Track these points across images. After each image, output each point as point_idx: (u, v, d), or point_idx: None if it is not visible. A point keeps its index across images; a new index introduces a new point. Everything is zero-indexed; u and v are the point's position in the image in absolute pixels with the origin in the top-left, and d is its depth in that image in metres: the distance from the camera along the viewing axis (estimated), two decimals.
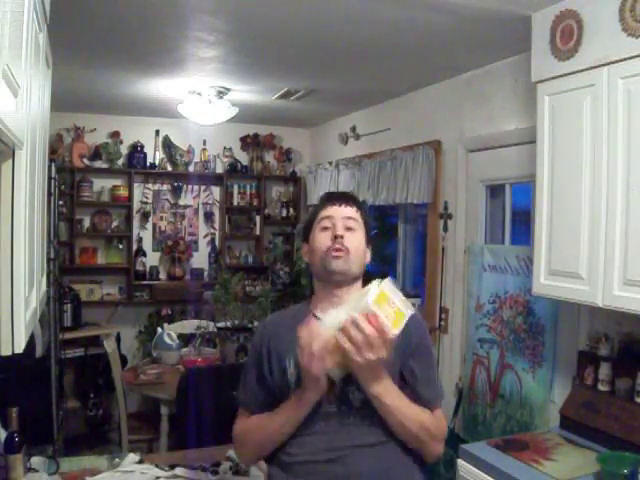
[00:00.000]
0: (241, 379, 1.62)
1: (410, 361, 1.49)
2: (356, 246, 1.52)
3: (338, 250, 1.49)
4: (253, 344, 1.65)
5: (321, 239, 1.53)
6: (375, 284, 1.32)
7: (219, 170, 5.35)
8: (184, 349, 4.18)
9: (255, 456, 1.61)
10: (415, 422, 1.41)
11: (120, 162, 5.02)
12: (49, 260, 2.82)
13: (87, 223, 4.94)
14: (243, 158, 5.44)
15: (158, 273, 5.15)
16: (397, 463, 1.45)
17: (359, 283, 1.57)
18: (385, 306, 1.29)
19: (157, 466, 2.03)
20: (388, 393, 1.38)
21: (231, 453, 2.17)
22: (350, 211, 1.56)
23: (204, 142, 5.24)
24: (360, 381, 1.36)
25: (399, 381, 1.46)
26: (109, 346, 3.90)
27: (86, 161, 4.87)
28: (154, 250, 5.18)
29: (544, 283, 2.37)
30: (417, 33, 2.75)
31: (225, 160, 5.38)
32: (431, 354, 1.58)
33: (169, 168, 5.18)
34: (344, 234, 1.51)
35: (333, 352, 1.31)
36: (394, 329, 1.29)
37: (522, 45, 2.57)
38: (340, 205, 1.56)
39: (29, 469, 1.87)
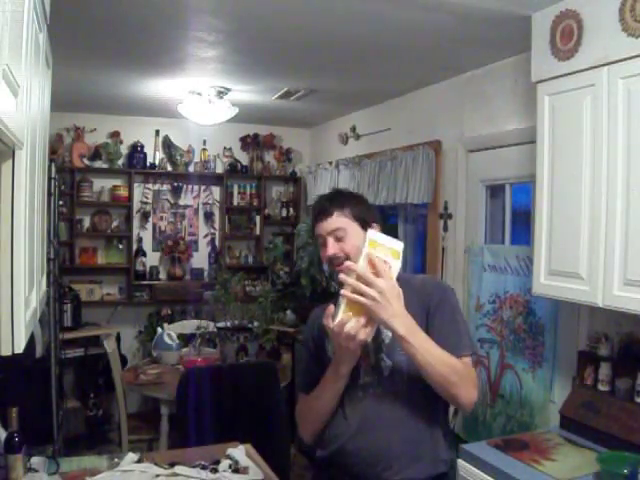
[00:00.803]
0: (297, 369, 1.78)
1: (433, 319, 1.55)
2: (353, 247, 1.55)
3: (338, 265, 1.55)
4: (304, 334, 1.86)
5: (322, 254, 1.63)
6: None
7: (219, 170, 5.35)
8: (184, 349, 4.18)
9: (316, 428, 1.69)
10: (443, 363, 1.44)
11: (120, 162, 5.02)
12: (49, 260, 2.82)
13: (87, 223, 4.94)
14: (243, 158, 5.45)
15: (158, 273, 5.15)
16: (422, 437, 1.55)
17: None
18: (378, 249, 1.40)
19: (156, 464, 2.03)
20: (412, 333, 1.41)
21: (231, 451, 2.17)
22: (334, 222, 1.59)
23: (204, 142, 5.24)
24: (384, 325, 1.42)
25: None
26: (109, 346, 3.90)
27: (86, 161, 4.87)
28: (154, 250, 5.19)
29: (544, 283, 2.37)
30: (417, 33, 2.75)
31: (225, 160, 5.38)
32: (455, 310, 1.61)
33: (169, 168, 5.18)
34: (336, 250, 1.57)
35: (354, 314, 1.39)
36: (395, 260, 1.40)
37: (522, 45, 2.57)
38: (322, 220, 1.61)
39: (29, 469, 1.87)
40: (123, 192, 4.97)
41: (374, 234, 1.43)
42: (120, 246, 5.06)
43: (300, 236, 4.71)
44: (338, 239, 1.58)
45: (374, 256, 1.38)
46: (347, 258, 1.55)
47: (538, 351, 2.83)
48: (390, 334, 1.54)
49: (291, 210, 5.53)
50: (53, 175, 3.07)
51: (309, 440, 1.78)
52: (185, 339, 4.44)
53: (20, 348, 1.24)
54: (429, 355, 1.43)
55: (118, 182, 5.01)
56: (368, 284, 1.35)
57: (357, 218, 1.62)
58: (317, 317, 1.71)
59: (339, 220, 1.60)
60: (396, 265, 1.41)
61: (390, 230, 4.56)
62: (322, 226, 1.61)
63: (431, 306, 1.57)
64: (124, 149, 5.04)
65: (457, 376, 1.46)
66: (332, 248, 1.57)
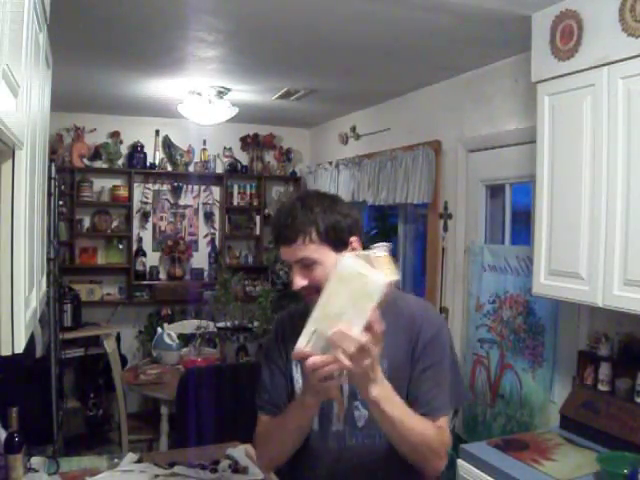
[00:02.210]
0: (257, 383, 1.53)
1: (417, 363, 1.36)
2: (325, 277, 1.23)
3: (310, 295, 1.31)
4: (268, 343, 1.57)
5: (291, 278, 1.37)
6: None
7: (219, 170, 5.35)
8: (184, 349, 4.18)
9: (276, 459, 1.49)
10: (416, 435, 1.25)
11: (120, 162, 5.02)
12: (49, 260, 2.82)
13: (87, 223, 4.94)
14: (243, 158, 5.44)
15: (158, 273, 5.15)
16: None
17: None
18: (355, 281, 1.07)
19: (156, 464, 2.03)
20: (387, 399, 1.19)
21: (230, 451, 2.17)
22: (298, 250, 1.31)
23: (204, 142, 5.24)
24: (357, 387, 1.21)
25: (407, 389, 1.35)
26: (109, 346, 3.90)
27: (86, 161, 4.87)
28: (154, 250, 5.18)
29: (544, 283, 2.37)
30: (417, 33, 2.75)
31: (225, 160, 5.38)
32: (444, 354, 1.39)
33: (169, 168, 5.18)
34: (304, 283, 1.32)
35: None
36: (386, 277, 1.08)
37: (522, 45, 2.57)
38: (287, 245, 1.33)
39: (29, 469, 1.87)
40: (123, 192, 4.97)
41: (345, 266, 1.09)
42: (120, 246, 5.06)
43: None
44: (306, 266, 1.32)
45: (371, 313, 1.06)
46: (317, 289, 1.21)
47: (538, 351, 2.83)
48: None
49: None
50: (53, 175, 3.07)
51: (266, 469, 1.61)
52: (185, 339, 4.43)
53: (20, 348, 1.24)
54: (401, 426, 1.22)
55: (118, 182, 5.00)
56: (363, 353, 1.07)
57: (328, 240, 1.32)
58: (284, 326, 1.51)
59: (305, 249, 1.31)
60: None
61: (390, 230, 4.56)
62: (286, 253, 1.33)
63: (419, 345, 1.36)
64: (124, 149, 5.04)
65: (429, 450, 1.28)
66: (299, 280, 1.32)
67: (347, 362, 1.06)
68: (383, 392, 1.18)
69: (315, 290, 1.29)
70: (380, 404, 1.18)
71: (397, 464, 1.33)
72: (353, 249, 1.35)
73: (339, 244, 1.34)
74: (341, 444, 1.38)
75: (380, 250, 1.17)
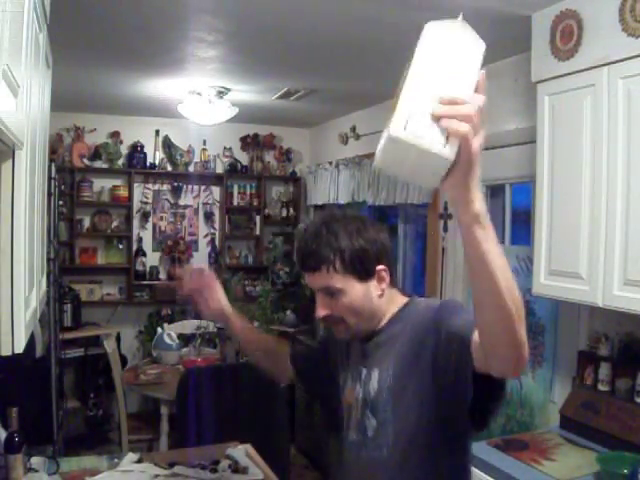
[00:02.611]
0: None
1: (441, 340, 1.19)
2: (348, 309, 1.29)
3: (333, 325, 1.34)
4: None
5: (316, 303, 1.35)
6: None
7: (219, 170, 5.34)
8: (184, 349, 4.18)
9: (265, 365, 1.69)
10: (507, 286, 0.92)
11: (120, 162, 5.02)
12: (49, 260, 2.82)
13: (87, 223, 4.94)
14: (243, 158, 5.44)
15: (158, 273, 5.15)
16: None
17: (391, 303, 1.36)
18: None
19: (156, 464, 2.03)
20: (485, 225, 0.91)
21: (230, 451, 2.17)
22: (322, 279, 1.28)
23: (204, 142, 5.24)
24: (456, 191, 0.91)
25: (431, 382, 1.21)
26: (109, 346, 3.90)
27: (86, 161, 4.87)
28: (154, 250, 5.18)
29: (544, 283, 2.37)
30: (417, 33, 2.73)
31: (225, 160, 5.38)
32: (460, 309, 1.24)
33: (169, 168, 5.17)
34: (327, 312, 1.30)
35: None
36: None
37: (522, 45, 2.57)
38: (310, 274, 1.31)
39: (29, 469, 1.87)
40: (123, 192, 4.97)
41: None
42: (120, 246, 5.05)
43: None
44: (329, 295, 1.30)
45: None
46: (342, 320, 1.30)
47: (538, 351, 2.83)
48: (375, 386, 1.31)
49: (291, 210, 5.53)
50: (53, 175, 3.07)
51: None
52: (185, 339, 4.43)
53: (20, 348, 1.23)
54: (500, 259, 0.92)
55: (118, 182, 5.00)
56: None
57: (353, 269, 1.28)
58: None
59: (330, 277, 1.28)
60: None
61: (390, 230, 4.56)
62: (311, 280, 1.32)
63: (426, 335, 1.24)
64: (124, 149, 5.04)
65: (517, 313, 0.94)
66: (322, 309, 1.30)
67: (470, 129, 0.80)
68: (483, 208, 0.91)
69: (338, 320, 1.31)
70: (481, 220, 0.90)
71: (408, 471, 1.27)
72: (380, 279, 1.32)
73: (365, 274, 1.29)
74: (354, 454, 1.37)
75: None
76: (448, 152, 0.80)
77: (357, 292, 1.29)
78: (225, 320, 1.59)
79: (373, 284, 1.31)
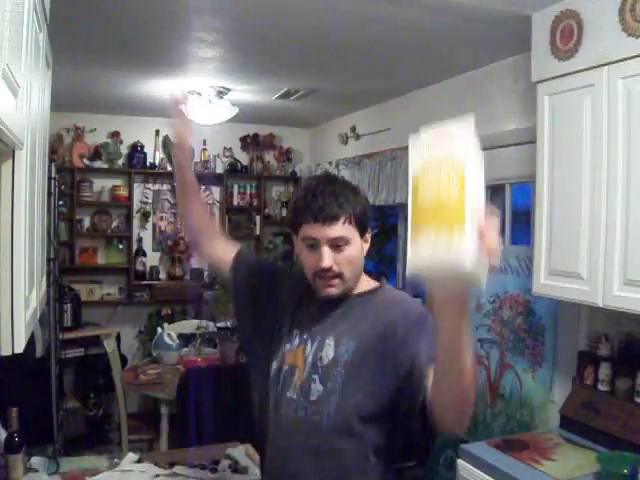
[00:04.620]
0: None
1: (403, 351, 1.27)
2: (349, 261, 1.34)
3: (329, 279, 1.34)
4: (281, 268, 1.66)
5: (308, 259, 1.36)
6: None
7: (219, 170, 5.34)
8: (184, 349, 4.18)
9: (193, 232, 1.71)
10: (472, 372, 1.08)
11: (120, 162, 5.02)
12: (49, 260, 2.82)
13: (87, 223, 4.94)
14: (243, 158, 5.44)
15: (158, 273, 5.15)
16: (343, 475, 1.33)
17: (361, 278, 1.43)
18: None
19: (156, 464, 2.03)
20: (467, 321, 1.05)
21: (230, 451, 2.18)
22: (339, 229, 1.31)
23: (204, 142, 5.24)
24: (451, 301, 1.00)
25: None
26: (109, 346, 3.90)
27: (86, 161, 4.87)
28: (154, 250, 5.18)
29: (544, 283, 2.37)
30: (417, 33, 2.75)
31: (225, 160, 5.38)
32: (429, 335, 1.25)
33: (169, 168, 5.17)
34: (332, 262, 1.32)
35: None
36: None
37: (522, 45, 2.57)
38: (324, 224, 1.30)
39: (29, 469, 1.87)
40: (123, 192, 4.97)
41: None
42: (120, 246, 5.05)
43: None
44: (336, 248, 1.32)
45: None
46: (340, 275, 1.33)
47: (538, 351, 2.83)
48: (330, 355, 1.34)
49: None
50: (53, 175, 3.07)
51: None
52: (185, 339, 4.43)
53: (20, 348, 1.23)
54: (465, 361, 1.06)
55: (118, 182, 5.00)
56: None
57: (359, 224, 1.35)
58: (298, 281, 1.48)
59: (345, 228, 1.31)
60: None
61: (390, 230, 4.56)
62: (322, 231, 1.30)
63: (399, 333, 1.31)
64: (124, 149, 5.04)
65: (473, 393, 1.15)
66: (329, 260, 1.31)
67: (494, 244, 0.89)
68: (466, 315, 1.04)
69: (336, 275, 1.33)
70: (465, 327, 1.03)
71: (340, 446, 1.32)
72: (366, 240, 1.39)
73: (364, 230, 1.37)
74: (291, 413, 1.36)
75: (466, 121, 0.97)
76: (485, 280, 0.89)
77: (357, 246, 1.36)
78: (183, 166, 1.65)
79: (363, 243, 1.39)
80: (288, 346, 1.42)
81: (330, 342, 1.36)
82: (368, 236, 1.40)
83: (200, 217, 1.69)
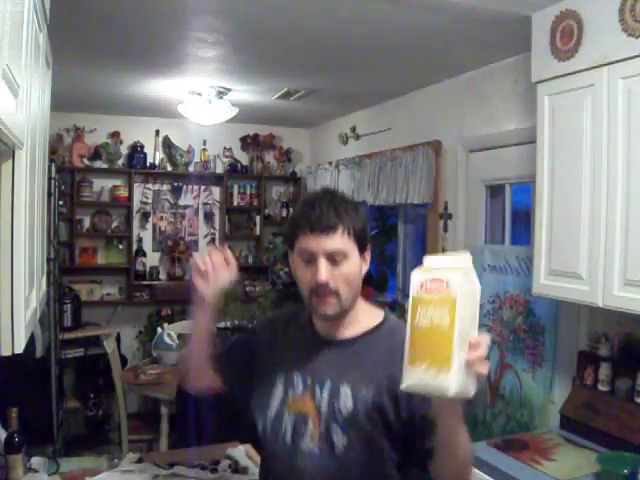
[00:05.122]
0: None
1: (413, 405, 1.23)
2: (346, 279, 1.27)
3: (325, 296, 1.27)
4: (257, 328, 1.58)
5: (304, 275, 1.29)
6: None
7: (219, 170, 5.34)
8: (184, 349, 4.17)
9: (188, 376, 1.53)
10: (469, 457, 1.20)
11: (120, 162, 5.02)
12: (49, 260, 2.82)
13: (87, 223, 4.94)
14: (243, 158, 5.44)
15: (158, 273, 5.15)
16: None
17: (363, 307, 1.38)
18: (468, 296, 1.03)
19: (156, 464, 2.03)
20: (462, 422, 1.14)
21: (230, 451, 2.18)
22: (337, 241, 1.25)
23: (204, 142, 5.24)
24: (444, 411, 1.09)
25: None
26: (109, 346, 3.90)
27: (86, 161, 4.87)
28: (154, 250, 5.18)
29: (544, 283, 2.37)
30: (417, 33, 2.75)
31: (225, 160, 5.38)
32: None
33: (169, 168, 5.17)
34: (329, 277, 1.25)
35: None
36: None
37: (522, 45, 2.57)
38: (322, 234, 1.24)
39: (29, 469, 1.87)
40: (123, 192, 4.97)
41: (463, 288, 1.02)
42: (120, 246, 5.05)
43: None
44: (334, 262, 1.26)
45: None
46: (336, 293, 1.26)
47: (538, 351, 2.83)
48: (349, 405, 1.27)
49: (291, 210, 5.53)
50: (53, 175, 3.07)
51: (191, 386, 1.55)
52: (185, 339, 4.43)
53: (20, 348, 1.24)
54: (464, 448, 1.16)
55: (118, 182, 5.00)
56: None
57: (358, 240, 1.29)
58: (268, 331, 1.48)
59: (343, 240, 1.26)
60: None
61: (390, 230, 4.56)
62: (319, 242, 1.24)
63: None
64: (124, 149, 5.04)
65: (469, 466, 1.23)
66: (326, 274, 1.24)
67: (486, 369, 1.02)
68: (460, 416, 1.12)
69: (332, 292, 1.26)
70: (460, 426, 1.14)
71: None
72: (365, 259, 1.34)
73: (363, 247, 1.32)
74: (315, 464, 1.29)
75: (464, 258, 1.06)
76: (474, 390, 1.02)
77: (356, 262, 1.30)
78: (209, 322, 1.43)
79: (362, 262, 1.33)
80: (290, 392, 1.35)
81: (347, 391, 1.29)
82: (367, 256, 1.34)
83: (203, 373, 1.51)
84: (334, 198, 1.31)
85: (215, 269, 1.34)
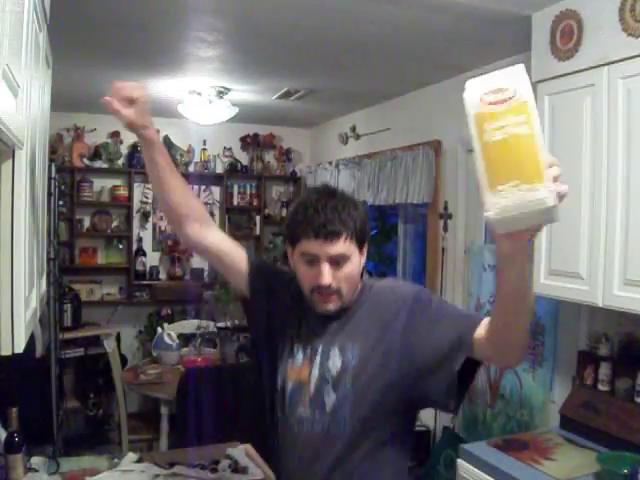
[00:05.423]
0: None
1: (412, 336, 1.28)
2: (348, 278, 1.32)
3: (327, 295, 1.31)
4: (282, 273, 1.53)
5: (306, 274, 1.33)
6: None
7: (219, 170, 5.35)
8: (184, 349, 4.18)
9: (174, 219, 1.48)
10: (533, 299, 1.21)
11: (120, 162, 5.02)
12: (49, 260, 2.81)
13: (87, 223, 4.94)
14: (243, 158, 5.45)
15: (158, 273, 5.15)
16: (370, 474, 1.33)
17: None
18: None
19: (156, 464, 2.03)
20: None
21: (230, 451, 2.18)
22: (340, 246, 1.28)
23: (204, 142, 5.24)
24: (519, 250, 1.02)
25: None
26: (109, 346, 3.90)
27: (86, 161, 4.87)
28: (154, 250, 5.18)
29: (544, 283, 2.37)
30: (417, 33, 2.75)
31: (225, 160, 5.38)
32: (436, 305, 1.33)
33: None
34: (331, 280, 1.29)
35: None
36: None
37: (522, 45, 2.57)
38: (325, 241, 1.27)
39: (29, 469, 1.87)
40: (123, 192, 4.97)
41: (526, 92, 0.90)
42: (120, 246, 5.06)
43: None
44: (336, 265, 1.30)
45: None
46: (338, 292, 1.31)
47: (538, 351, 2.83)
48: (338, 364, 1.33)
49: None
50: (53, 175, 3.07)
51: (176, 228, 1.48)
52: (185, 339, 4.43)
53: (20, 348, 1.24)
54: (528, 286, 1.13)
55: (118, 182, 5.01)
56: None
57: (359, 240, 1.33)
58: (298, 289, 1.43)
59: (346, 245, 1.29)
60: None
61: (390, 230, 4.56)
62: (322, 247, 1.28)
63: (403, 319, 1.31)
64: (124, 149, 5.04)
65: (528, 321, 1.18)
66: (329, 278, 1.29)
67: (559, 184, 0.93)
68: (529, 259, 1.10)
69: (334, 291, 1.30)
70: (525, 249, 1.03)
71: (363, 451, 1.32)
72: (363, 254, 1.36)
73: (363, 245, 1.35)
74: (307, 429, 1.34)
75: (516, 71, 0.92)
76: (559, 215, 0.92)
77: (357, 261, 1.33)
78: (147, 139, 1.37)
79: (361, 256, 1.36)
80: (290, 362, 1.40)
81: (335, 351, 1.34)
82: (365, 249, 1.38)
83: (183, 194, 1.46)
84: (337, 201, 1.32)
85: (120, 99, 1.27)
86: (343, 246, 1.28)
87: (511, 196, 0.88)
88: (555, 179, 0.91)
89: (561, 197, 0.91)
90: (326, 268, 1.28)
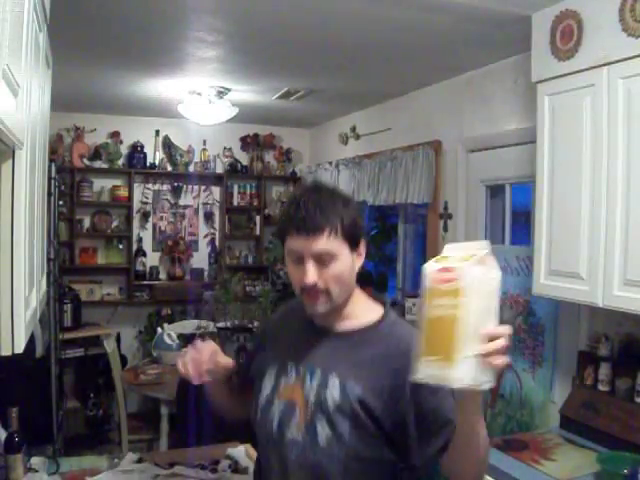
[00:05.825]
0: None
1: (418, 403, 1.21)
2: (336, 278, 1.25)
3: (315, 295, 1.26)
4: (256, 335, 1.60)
5: (293, 274, 1.29)
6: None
7: (219, 170, 5.35)
8: (184, 349, 4.17)
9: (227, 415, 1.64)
10: (485, 458, 1.19)
11: (120, 162, 5.02)
12: (49, 260, 2.82)
13: (87, 223, 4.94)
14: (243, 158, 5.45)
15: (158, 273, 5.15)
16: None
17: (353, 294, 1.36)
18: (484, 287, 0.98)
19: (156, 464, 2.03)
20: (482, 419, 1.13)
21: (230, 451, 2.18)
22: (323, 243, 1.22)
23: (204, 142, 5.24)
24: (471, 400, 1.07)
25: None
26: (109, 346, 3.90)
27: (86, 161, 4.87)
28: (154, 250, 5.19)
29: (544, 283, 2.37)
30: (417, 33, 2.75)
31: (225, 160, 5.38)
32: (441, 394, 1.19)
33: (169, 168, 5.18)
34: (316, 279, 1.23)
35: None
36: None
37: (522, 45, 2.57)
38: (308, 236, 1.22)
39: (29, 469, 1.87)
40: (123, 192, 4.97)
41: (476, 278, 0.98)
42: (120, 246, 5.06)
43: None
44: (322, 263, 1.24)
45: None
46: (327, 292, 1.25)
47: (538, 351, 2.83)
48: (336, 397, 1.25)
49: None
50: (53, 175, 3.07)
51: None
52: (185, 339, 4.43)
53: (20, 348, 1.23)
54: (484, 448, 1.15)
55: (118, 182, 5.01)
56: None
57: (348, 237, 1.26)
58: (277, 324, 1.51)
59: (330, 242, 1.23)
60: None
61: (390, 230, 4.56)
62: (305, 244, 1.22)
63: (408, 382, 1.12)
64: (124, 149, 5.04)
65: (485, 462, 1.22)
66: (313, 276, 1.23)
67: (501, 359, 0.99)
68: (479, 409, 1.11)
69: (321, 291, 1.25)
70: (480, 423, 1.11)
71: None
72: (359, 254, 1.31)
73: (354, 244, 1.28)
74: (297, 453, 1.28)
75: (482, 246, 1.02)
76: (491, 383, 0.99)
77: (346, 261, 1.26)
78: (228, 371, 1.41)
79: (355, 257, 1.30)
80: (283, 380, 1.35)
81: (335, 382, 1.27)
82: (362, 249, 1.31)
83: (234, 409, 1.61)
84: (322, 196, 1.27)
85: (200, 365, 1.36)
86: (327, 242, 1.22)
87: (431, 370, 0.97)
88: (493, 352, 0.97)
89: (499, 367, 0.98)
90: (310, 266, 1.23)
